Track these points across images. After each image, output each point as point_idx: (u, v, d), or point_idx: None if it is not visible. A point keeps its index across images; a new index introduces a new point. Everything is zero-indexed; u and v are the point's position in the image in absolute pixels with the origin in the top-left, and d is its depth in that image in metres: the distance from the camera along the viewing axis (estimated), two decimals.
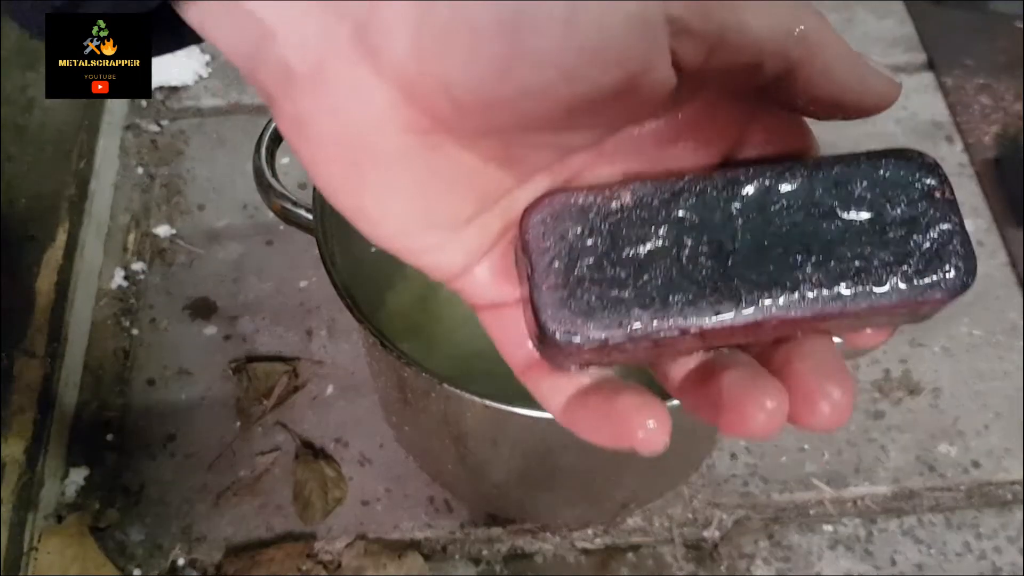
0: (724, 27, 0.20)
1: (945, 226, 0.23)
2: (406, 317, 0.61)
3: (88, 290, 0.69)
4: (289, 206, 0.51)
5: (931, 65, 0.83)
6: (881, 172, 0.23)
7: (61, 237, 0.68)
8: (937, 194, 0.23)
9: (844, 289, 0.22)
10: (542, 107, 0.20)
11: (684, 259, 0.22)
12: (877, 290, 0.22)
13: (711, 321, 0.22)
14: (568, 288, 0.22)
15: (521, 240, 0.23)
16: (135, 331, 0.69)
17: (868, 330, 0.24)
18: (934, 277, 0.22)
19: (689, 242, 0.22)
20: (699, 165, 0.24)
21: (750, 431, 0.22)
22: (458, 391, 0.43)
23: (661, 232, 0.22)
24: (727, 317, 0.22)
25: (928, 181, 0.23)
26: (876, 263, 0.22)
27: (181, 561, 0.59)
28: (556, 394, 0.24)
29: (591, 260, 0.22)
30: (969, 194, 0.74)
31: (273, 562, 0.58)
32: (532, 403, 0.43)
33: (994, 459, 0.63)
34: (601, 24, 0.19)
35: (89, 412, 0.65)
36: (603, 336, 0.22)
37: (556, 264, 0.22)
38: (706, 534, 0.60)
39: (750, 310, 0.22)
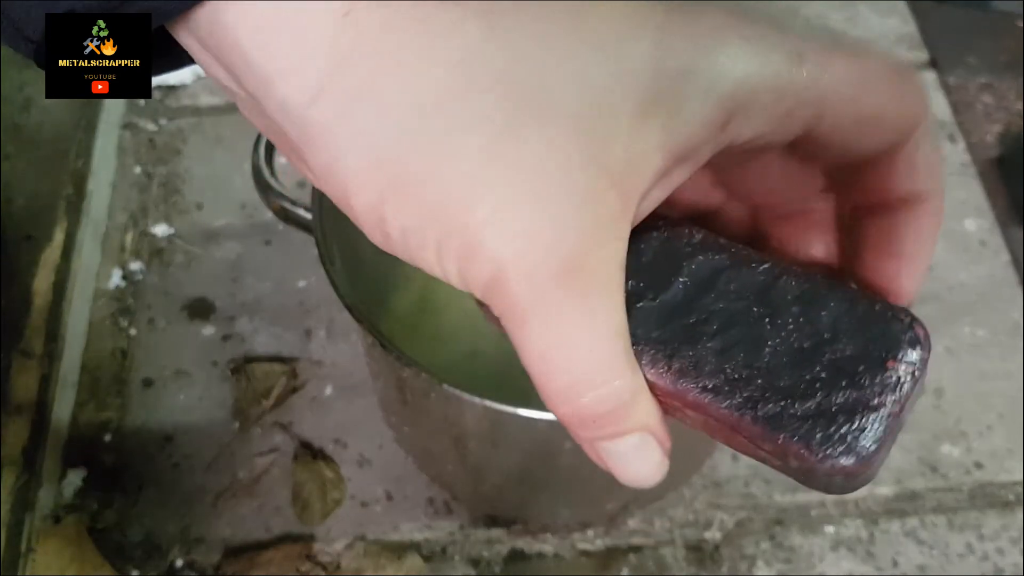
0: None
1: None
2: (406, 317, 0.61)
3: (85, 290, 0.69)
4: (288, 205, 0.51)
5: (933, 64, 0.83)
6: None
7: (58, 237, 0.68)
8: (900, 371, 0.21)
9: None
10: None
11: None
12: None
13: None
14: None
15: None
16: (133, 331, 0.68)
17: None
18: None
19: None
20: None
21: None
22: (458, 391, 0.43)
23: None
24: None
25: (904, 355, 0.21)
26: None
27: (179, 562, 0.59)
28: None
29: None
30: (971, 194, 0.74)
31: (272, 563, 0.58)
32: (532, 403, 0.42)
33: (997, 460, 0.62)
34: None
35: (87, 413, 0.65)
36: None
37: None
38: (707, 535, 0.60)
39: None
